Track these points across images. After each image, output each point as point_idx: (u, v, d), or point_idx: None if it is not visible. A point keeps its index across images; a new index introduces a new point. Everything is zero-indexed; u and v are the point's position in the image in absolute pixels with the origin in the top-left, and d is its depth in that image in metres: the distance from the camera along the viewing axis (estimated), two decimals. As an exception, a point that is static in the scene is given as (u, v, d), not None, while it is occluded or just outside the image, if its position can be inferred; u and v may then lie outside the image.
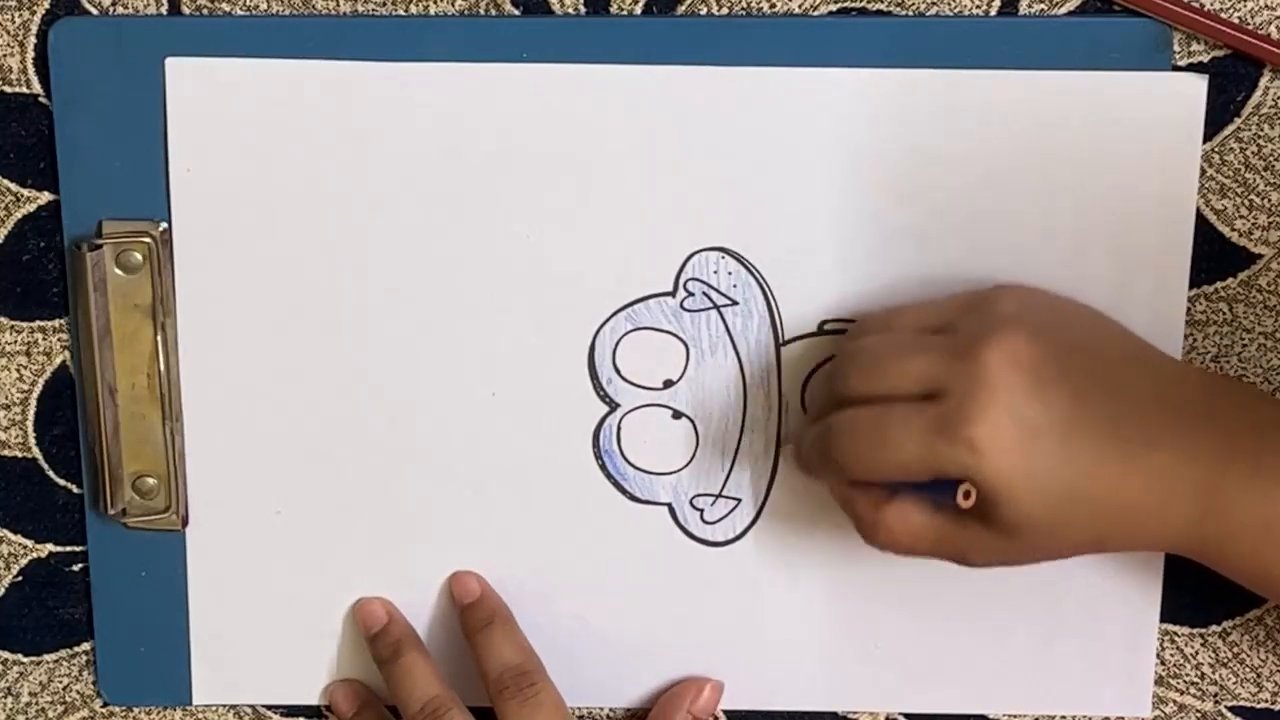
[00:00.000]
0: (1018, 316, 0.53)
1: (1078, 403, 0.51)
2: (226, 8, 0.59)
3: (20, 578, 0.64)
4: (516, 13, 0.59)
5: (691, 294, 0.60)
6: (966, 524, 0.52)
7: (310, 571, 0.63)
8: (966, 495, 0.50)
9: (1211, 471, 0.51)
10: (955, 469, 0.50)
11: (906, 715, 0.64)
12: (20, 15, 0.59)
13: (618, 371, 0.61)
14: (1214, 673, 0.63)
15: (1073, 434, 0.50)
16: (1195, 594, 0.63)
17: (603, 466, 0.62)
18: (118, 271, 0.60)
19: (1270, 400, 0.57)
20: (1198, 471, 0.51)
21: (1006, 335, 0.51)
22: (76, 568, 0.63)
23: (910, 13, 0.58)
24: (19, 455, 0.63)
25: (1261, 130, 0.59)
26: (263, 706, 0.64)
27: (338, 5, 0.59)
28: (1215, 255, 0.60)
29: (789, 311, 0.60)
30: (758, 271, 0.60)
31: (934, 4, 0.58)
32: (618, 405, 0.61)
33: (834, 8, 0.58)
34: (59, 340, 0.61)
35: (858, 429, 0.53)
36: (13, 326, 0.61)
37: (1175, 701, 0.64)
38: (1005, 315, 0.53)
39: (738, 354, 0.61)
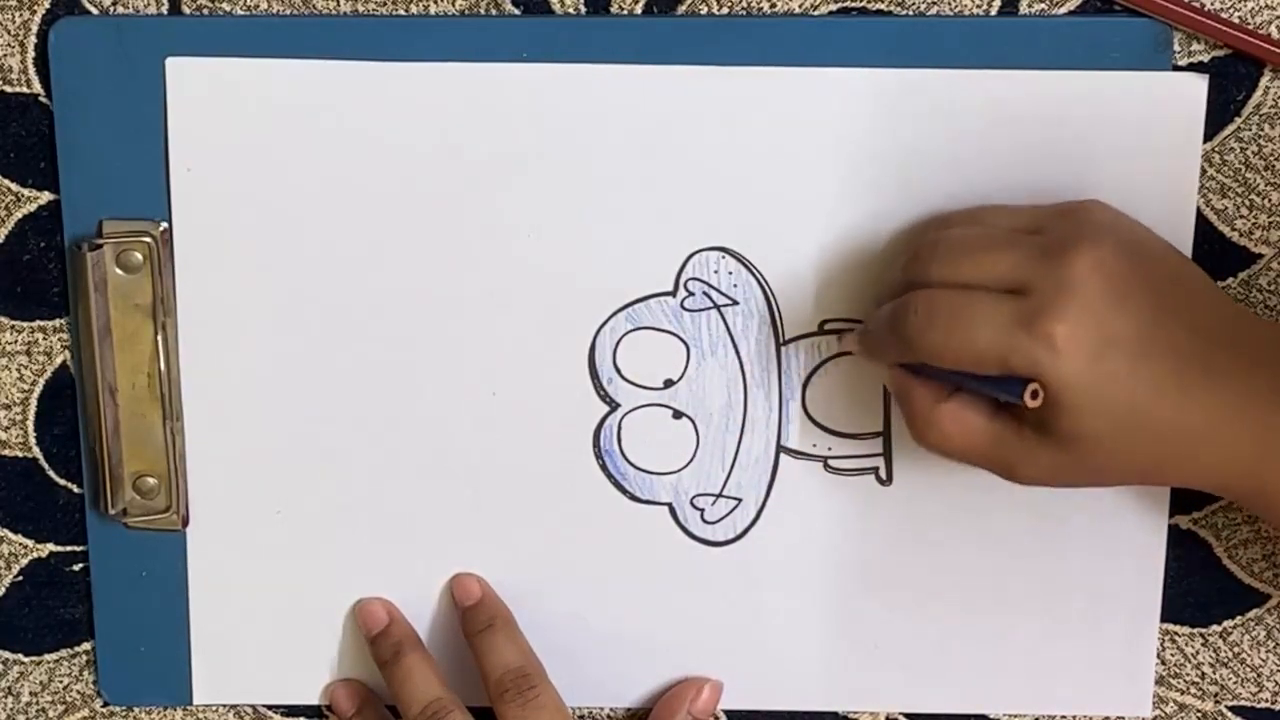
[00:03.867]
0: (1109, 228, 0.52)
1: (1154, 323, 0.51)
2: (226, 8, 0.59)
3: (20, 578, 0.64)
4: (517, 13, 0.59)
5: (692, 294, 0.60)
6: (1022, 432, 0.52)
7: (310, 571, 0.63)
8: (1035, 395, 0.50)
9: (1272, 415, 0.51)
10: (1027, 364, 0.50)
11: (906, 715, 0.64)
12: (20, 15, 0.59)
13: (618, 371, 0.61)
14: (1214, 673, 0.63)
15: (1147, 352, 0.50)
16: (1195, 594, 0.63)
17: (603, 466, 0.62)
18: (118, 271, 0.60)
19: None
20: (1260, 412, 0.51)
21: (1097, 243, 0.51)
22: (77, 568, 0.63)
23: (910, 13, 0.58)
24: (19, 455, 0.63)
25: (1261, 130, 0.59)
26: (263, 706, 0.64)
27: (338, 5, 0.59)
28: (1215, 255, 0.60)
29: (789, 311, 0.60)
30: (758, 271, 0.60)
31: (934, 4, 0.58)
32: (618, 405, 0.61)
33: (834, 8, 0.58)
34: (59, 340, 0.61)
35: (936, 307, 0.52)
36: (13, 326, 0.61)
37: (1175, 701, 0.64)
38: (1097, 225, 0.53)
39: (738, 354, 0.61)
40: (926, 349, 0.53)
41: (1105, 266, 0.51)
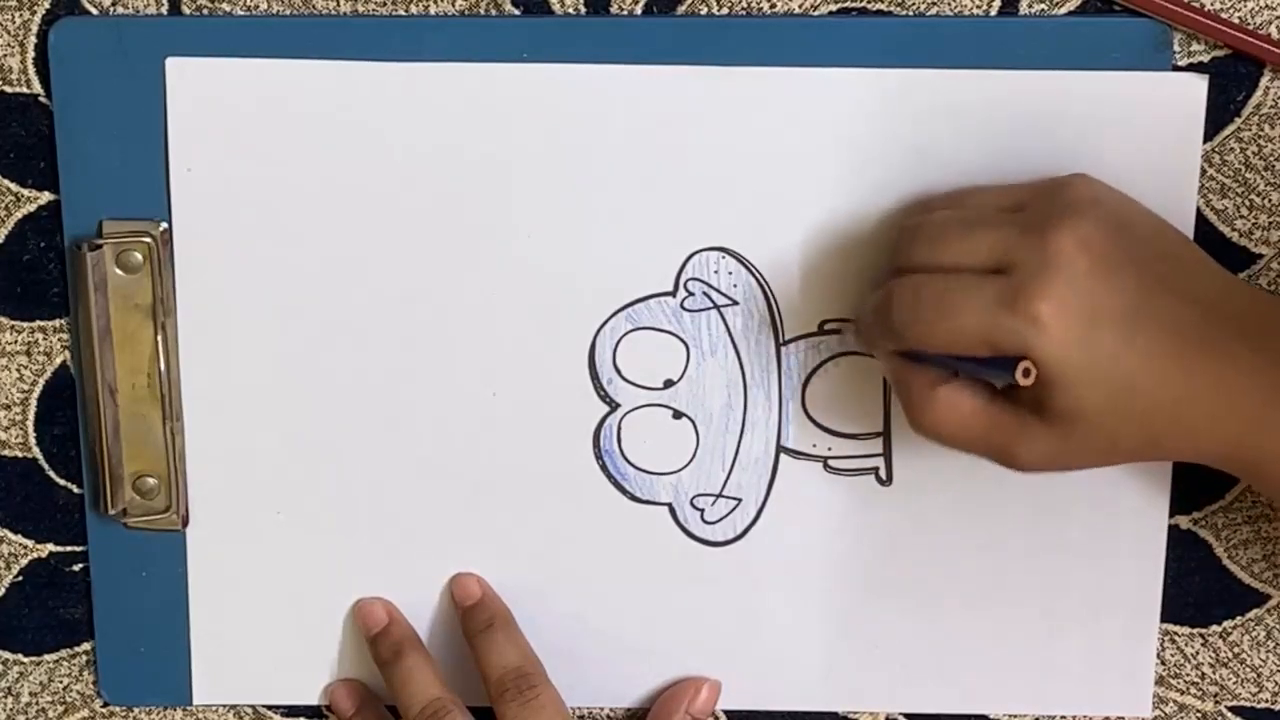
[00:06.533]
0: (1092, 202, 0.52)
1: (1143, 295, 0.50)
2: (226, 8, 0.59)
3: (20, 578, 0.64)
4: (516, 13, 0.59)
5: (692, 294, 0.60)
6: (1020, 415, 0.51)
7: (310, 572, 0.63)
8: (1026, 373, 0.49)
9: (1268, 385, 0.50)
10: (1015, 344, 0.49)
11: (906, 715, 0.64)
12: (20, 15, 0.59)
13: (618, 371, 0.61)
14: (1214, 673, 0.63)
15: (1136, 324, 0.50)
16: (1195, 594, 0.63)
17: (603, 466, 0.62)
18: (118, 271, 0.60)
19: None
20: (1255, 383, 0.50)
21: (1080, 218, 0.51)
22: (77, 568, 0.63)
23: (910, 13, 0.58)
24: (19, 455, 0.63)
25: (1261, 130, 0.59)
26: (263, 706, 0.64)
27: (338, 5, 0.59)
28: (1215, 255, 0.59)
29: (789, 311, 0.60)
30: (758, 271, 0.60)
31: (934, 4, 0.58)
32: (618, 405, 0.61)
33: (834, 8, 0.58)
34: (59, 340, 0.61)
35: (920, 294, 0.52)
36: (13, 326, 0.61)
37: (1175, 701, 0.64)
38: (1079, 199, 0.52)
39: (738, 354, 0.61)
40: (914, 336, 0.52)
41: (1089, 240, 0.50)
